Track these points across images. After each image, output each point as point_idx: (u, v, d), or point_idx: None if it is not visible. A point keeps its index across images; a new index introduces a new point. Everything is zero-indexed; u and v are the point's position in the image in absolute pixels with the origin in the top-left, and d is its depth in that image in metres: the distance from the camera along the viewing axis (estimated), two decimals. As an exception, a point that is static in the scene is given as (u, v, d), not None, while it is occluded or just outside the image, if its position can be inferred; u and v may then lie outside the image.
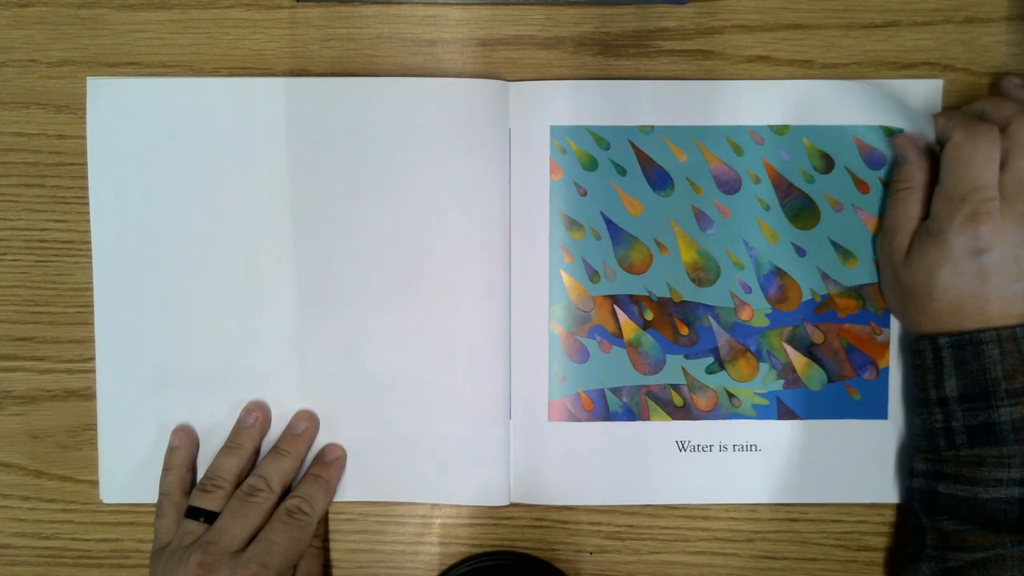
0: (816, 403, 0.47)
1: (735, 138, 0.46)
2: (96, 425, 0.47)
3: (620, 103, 0.46)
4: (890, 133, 0.46)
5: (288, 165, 0.46)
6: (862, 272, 0.47)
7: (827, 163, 0.46)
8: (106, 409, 0.47)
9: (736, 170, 0.46)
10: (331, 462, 0.46)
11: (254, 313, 0.46)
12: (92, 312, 0.47)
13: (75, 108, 0.47)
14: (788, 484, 0.47)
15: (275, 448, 0.45)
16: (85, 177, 0.46)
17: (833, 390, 0.47)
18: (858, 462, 0.47)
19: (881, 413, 0.47)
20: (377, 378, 0.46)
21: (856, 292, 0.47)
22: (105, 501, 0.47)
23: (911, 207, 0.43)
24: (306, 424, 0.46)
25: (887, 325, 0.47)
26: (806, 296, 0.47)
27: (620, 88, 0.46)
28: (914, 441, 0.45)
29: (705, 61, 0.47)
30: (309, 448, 0.46)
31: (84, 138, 0.46)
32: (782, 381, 0.47)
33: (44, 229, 0.48)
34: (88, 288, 0.47)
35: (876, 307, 0.47)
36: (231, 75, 0.47)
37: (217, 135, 0.46)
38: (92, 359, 0.47)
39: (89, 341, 0.47)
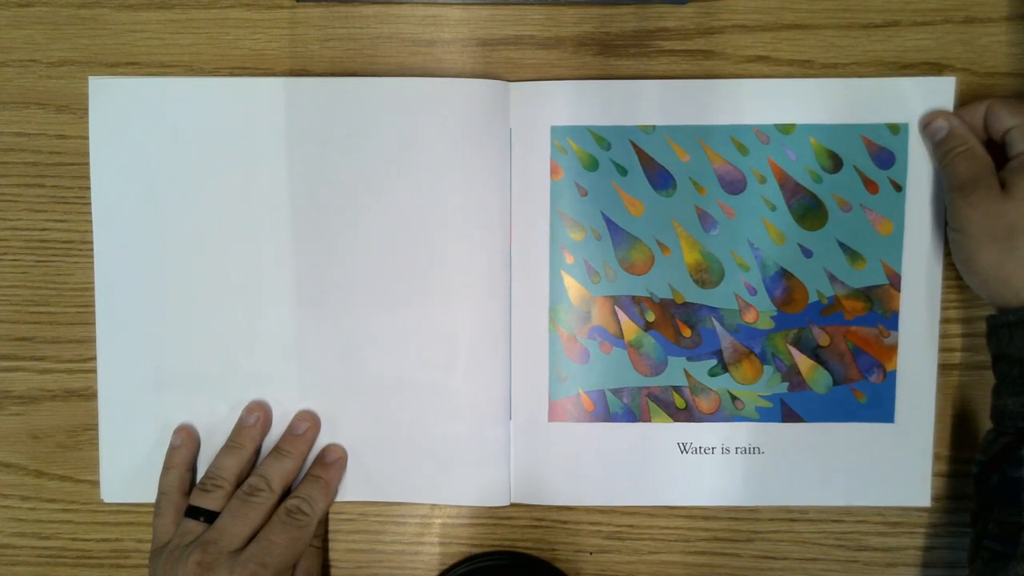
0: (821, 406, 0.46)
1: (740, 137, 0.46)
2: (96, 425, 0.47)
3: (621, 103, 0.46)
4: (896, 131, 0.45)
5: (288, 165, 0.46)
6: (871, 274, 0.46)
7: (835, 163, 0.46)
8: (107, 408, 0.47)
9: (741, 170, 0.46)
10: (332, 463, 0.46)
11: (255, 313, 0.46)
12: (92, 312, 0.47)
13: (75, 108, 0.47)
14: (791, 487, 0.47)
15: (276, 448, 0.45)
16: (85, 177, 0.46)
17: (838, 393, 0.46)
18: (864, 465, 0.46)
19: (887, 416, 0.46)
20: (377, 378, 0.46)
21: (864, 294, 0.46)
22: (105, 500, 0.47)
23: (980, 158, 0.42)
24: (307, 425, 0.46)
25: (895, 328, 0.46)
26: (812, 298, 0.46)
27: (621, 88, 0.46)
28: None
29: (705, 61, 0.47)
30: (310, 449, 0.46)
31: (84, 138, 0.46)
32: (787, 384, 0.46)
33: (44, 229, 0.48)
34: (88, 288, 0.47)
35: (884, 309, 0.46)
36: (231, 75, 0.47)
37: (217, 135, 0.46)
38: (92, 359, 0.47)
39: (89, 341, 0.47)
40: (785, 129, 0.46)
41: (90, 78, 0.46)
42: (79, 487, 0.48)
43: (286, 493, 0.44)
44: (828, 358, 0.46)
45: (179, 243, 0.46)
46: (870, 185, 0.46)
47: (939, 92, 0.45)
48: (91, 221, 0.46)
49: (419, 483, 0.46)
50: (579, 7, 0.46)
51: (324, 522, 0.48)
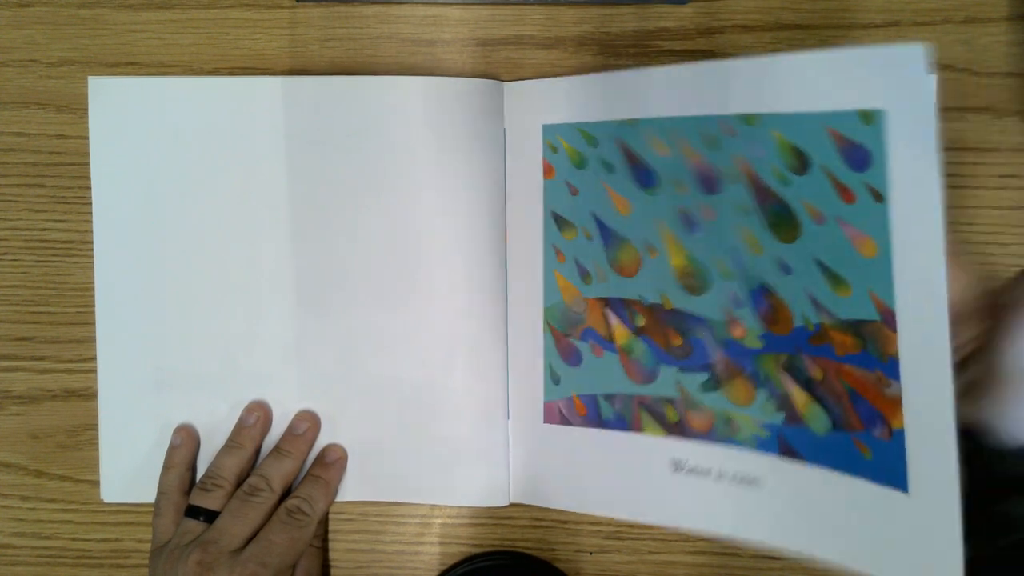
0: (821, 448, 0.39)
1: (708, 130, 0.40)
2: (96, 425, 0.47)
3: (604, 97, 0.43)
4: (868, 120, 0.35)
5: (287, 164, 0.46)
6: (857, 305, 0.37)
7: (802, 162, 0.37)
8: (107, 408, 0.47)
9: (715, 166, 0.40)
10: (332, 463, 0.46)
11: (255, 313, 0.46)
12: (92, 312, 0.47)
13: (75, 108, 0.47)
14: (790, 529, 0.40)
15: (276, 448, 0.45)
16: (85, 177, 0.46)
17: (839, 439, 0.39)
18: (874, 530, 0.38)
19: (899, 482, 0.37)
20: (377, 378, 0.46)
21: (854, 328, 0.37)
22: (106, 500, 0.47)
23: None
24: (307, 425, 0.46)
25: (896, 377, 0.36)
26: (798, 322, 0.39)
27: (603, 81, 0.43)
28: None
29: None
30: (310, 449, 0.46)
31: (84, 138, 0.46)
32: (783, 414, 0.40)
33: (44, 229, 0.48)
34: (88, 288, 0.47)
35: (880, 352, 0.37)
36: (231, 75, 0.47)
37: (217, 135, 0.46)
38: (92, 359, 0.47)
39: (89, 341, 0.47)
40: (749, 120, 0.38)
41: (90, 78, 0.46)
42: (79, 487, 0.48)
43: (286, 493, 0.44)
44: (824, 395, 0.39)
45: (179, 243, 0.46)
46: (844, 192, 0.36)
47: (910, 65, 0.34)
48: (91, 221, 0.46)
49: (419, 483, 0.46)
50: (579, 7, 0.46)
51: (324, 522, 0.48)
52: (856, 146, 0.36)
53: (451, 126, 0.45)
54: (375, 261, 0.46)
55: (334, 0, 0.47)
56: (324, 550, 0.47)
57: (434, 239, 0.45)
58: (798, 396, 0.40)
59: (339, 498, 0.46)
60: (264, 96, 0.45)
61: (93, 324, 0.47)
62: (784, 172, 0.38)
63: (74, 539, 0.48)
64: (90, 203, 0.46)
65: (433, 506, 0.47)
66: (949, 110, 0.46)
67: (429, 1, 0.46)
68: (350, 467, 0.46)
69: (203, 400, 0.46)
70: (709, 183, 0.40)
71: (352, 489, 0.46)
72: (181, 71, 0.47)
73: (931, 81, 0.33)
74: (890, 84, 0.34)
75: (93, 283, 0.46)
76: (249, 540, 0.41)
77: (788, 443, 0.40)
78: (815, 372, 0.39)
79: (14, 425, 0.48)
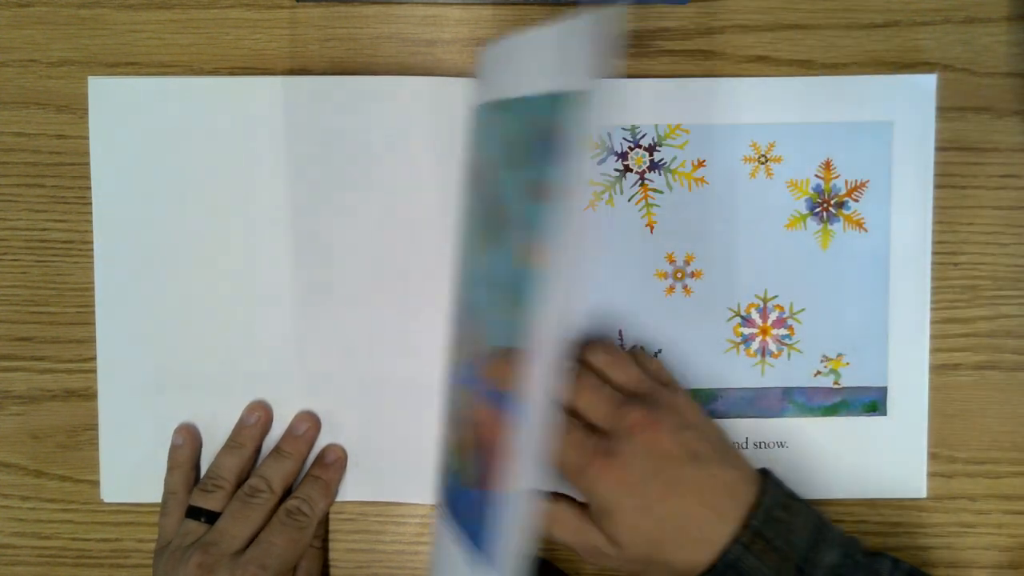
0: (459, 510, 0.31)
1: (481, 119, 0.35)
2: (96, 425, 0.47)
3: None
4: (555, 104, 0.27)
5: (286, 164, 0.46)
6: (516, 327, 0.29)
7: (512, 154, 0.31)
8: (107, 408, 0.47)
9: (477, 161, 0.35)
10: (331, 463, 0.46)
11: (255, 313, 0.46)
12: (92, 312, 0.47)
13: (75, 108, 0.47)
14: None
15: (276, 449, 0.45)
16: (85, 177, 0.46)
17: (468, 499, 0.31)
18: None
19: (484, 561, 0.29)
20: (377, 378, 0.46)
21: (508, 357, 0.29)
22: (106, 500, 0.47)
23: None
24: (307, 425, 0.46)
25: (510, 420, 0.28)
26: (484, 346, 0.32)
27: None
28: None
29: (705, 61, 0.47)
30: (310, 449, 0.46)
31: (84, 138, 0.46)
32: (450, 463, 0.33)
33: (44, 229, 0.48)
34: (88, 288, 0.47)
35: (507, 386, 0.29)
36: (231, 75, 0.47)
37: (217, 135, 0.46)
38: (92, 359, 0.47)
39: (89, 341, 0.47)
40: (502, 107, 0.33)
41: (90, 78, 0.46)
42: (79, 487, 0.48)
43: (286, 493, 0.44)
44: (476, 442, 0.31)
45: (179, 243, 0.46)
46: (537, 190, 0.29)
47: (606, 30, 0.28)
48: (91, 221, 0.46)
49: (419, 483, 0.46)
50: (579, 7, 0.46)
51: (324, 522, 0.48)
52: (547, 134, 0.28)
53: (451, 126, 0.45)
54: (375, 261, 0.46)
55: (334, 0, 0.47)
56: (324, 550, 0.47)
57: (433, 239, 0.45)
58: (459, 442, 0.33)
59: (339, 498, 0.46)
60: (264, 96, 0.45)
61: (93, 324, 0.47)
62: (497, 167, 0.32)
63: (74, 539, 0.48)
64: (90, 203, 0.46)
65: (433, 506, 0.47)
66: (949, 110, 0.46)
67: (429, 1, 0.46)
68: (350, 467, 0.46)
69: (203, 400, 0.46)
70: (471, 180, 0.35)
71: (352, 489, 0.46)
72: (181, 71, 0.47)
73: (614, 46, 0.26)
74: (588, 58, 0.27)
75: (93, 283, 0.46)
76: (250, 541, 0.41)
77: (443, 501, 0.34)
78: (477, 412, 0.32)
79: (14, 425, 0.48)
